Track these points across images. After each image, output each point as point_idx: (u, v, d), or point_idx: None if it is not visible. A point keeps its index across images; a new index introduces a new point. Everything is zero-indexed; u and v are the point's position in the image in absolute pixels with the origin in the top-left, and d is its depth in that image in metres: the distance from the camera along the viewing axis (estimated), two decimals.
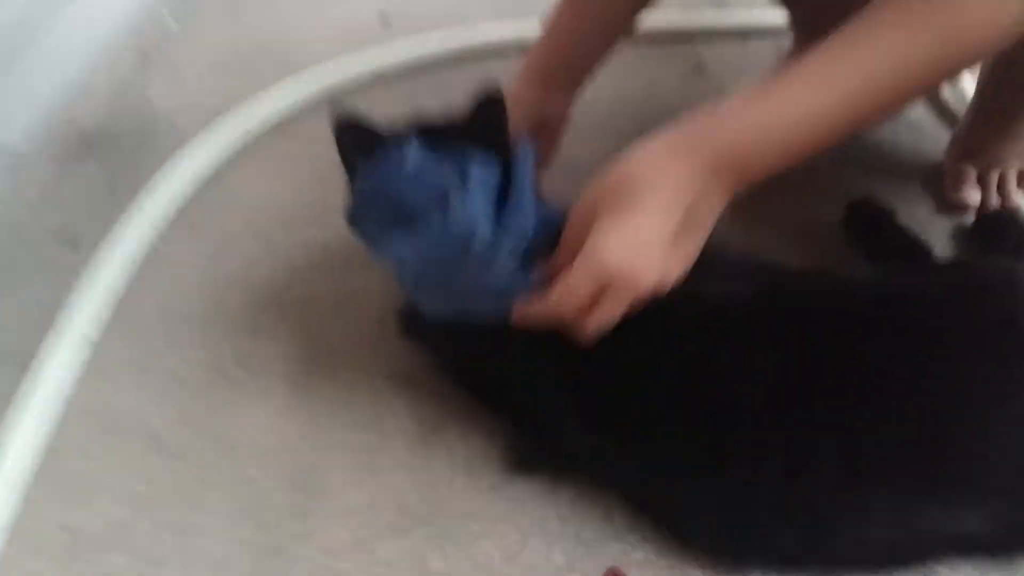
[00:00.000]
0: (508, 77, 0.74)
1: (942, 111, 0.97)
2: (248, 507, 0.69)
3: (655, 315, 0.57)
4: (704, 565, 0.63)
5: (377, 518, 0.67)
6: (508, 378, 0.66)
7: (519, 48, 1.03)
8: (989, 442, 0.55)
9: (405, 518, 0.67)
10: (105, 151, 1.02)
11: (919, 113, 0.97)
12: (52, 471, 0.72)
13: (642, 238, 0.54)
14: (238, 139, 0.98)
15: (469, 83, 0.65)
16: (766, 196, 0.85)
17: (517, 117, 0.70)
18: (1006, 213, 0.84)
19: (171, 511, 0.69)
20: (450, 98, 0.66)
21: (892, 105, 0.57)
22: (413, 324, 0.74)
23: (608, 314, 0.56)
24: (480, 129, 0.63)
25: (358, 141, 0.65)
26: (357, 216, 0.65)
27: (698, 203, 0.55)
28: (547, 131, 0.75)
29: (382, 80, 1.05)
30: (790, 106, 0.54)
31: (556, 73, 0.76)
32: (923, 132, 0.95)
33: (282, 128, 1.01)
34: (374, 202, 0.63)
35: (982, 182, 0.86)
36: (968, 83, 0.95)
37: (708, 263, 0.58)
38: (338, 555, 0.66)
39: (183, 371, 0.78)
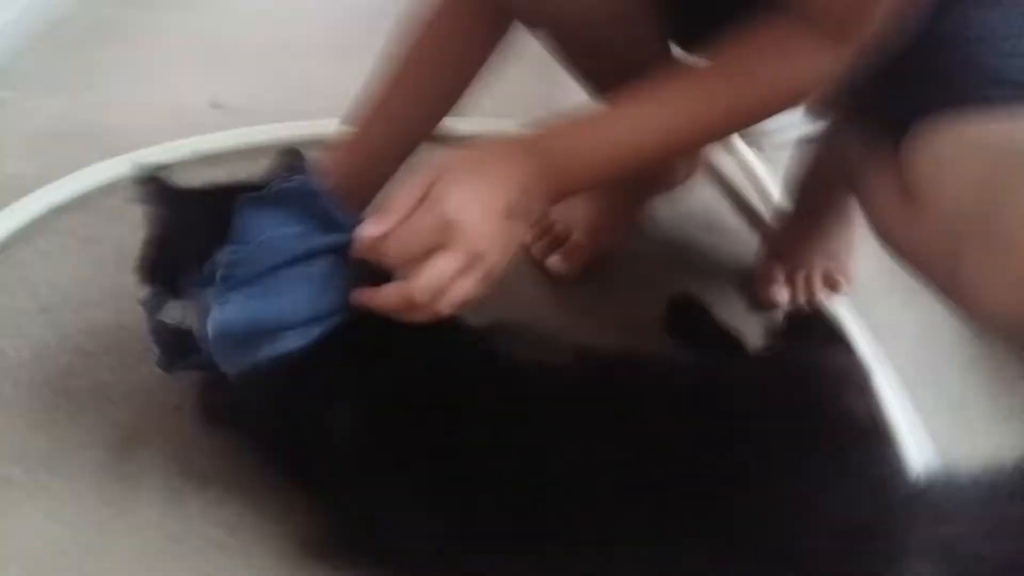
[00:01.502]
0: None
1: (752, 217, 1.03)
2: None
3: (465, 372, 0.59)
4: None
5: None
6: (317, 438, 0.62)
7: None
8: (800, 522, 0.55)
9: None
10: None
11: (733, 221, 1.03)
12: None
13: (482, 200, 0.58)
14: (32, 217, 0.90)
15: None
16: (592, 293, 0.90)
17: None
18: (812, 310, 0.89)
19: None
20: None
21: (687, 146, 0.70)
22: (217, 405, 0.67)
23: (440, 270, 0.57)
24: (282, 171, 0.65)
25: (163, 197, 0.64)
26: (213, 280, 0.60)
27: (524, 197, 0.60)
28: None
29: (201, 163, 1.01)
30: (598, 133, 0.63)
31: (362, 170, 0.79)
32: (737, 237, 1.01)
33: (83, 204, 0.94)
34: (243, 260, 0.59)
35: (790, 282, 0.91)
36: (775, 189, 1.03)
37: (521, 333, 0.60)
38: None
39: None
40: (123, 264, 0.82)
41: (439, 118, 0.79)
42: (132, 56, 1.25)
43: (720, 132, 0.70)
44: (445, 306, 0.57)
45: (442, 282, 0.57)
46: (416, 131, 0.79)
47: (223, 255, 0.58)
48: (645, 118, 0.63)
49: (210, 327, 0.58)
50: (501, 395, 0.61)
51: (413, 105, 0.78)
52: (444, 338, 0.62)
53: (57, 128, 1.07)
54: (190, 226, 0.63)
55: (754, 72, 0.62)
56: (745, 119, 0.67)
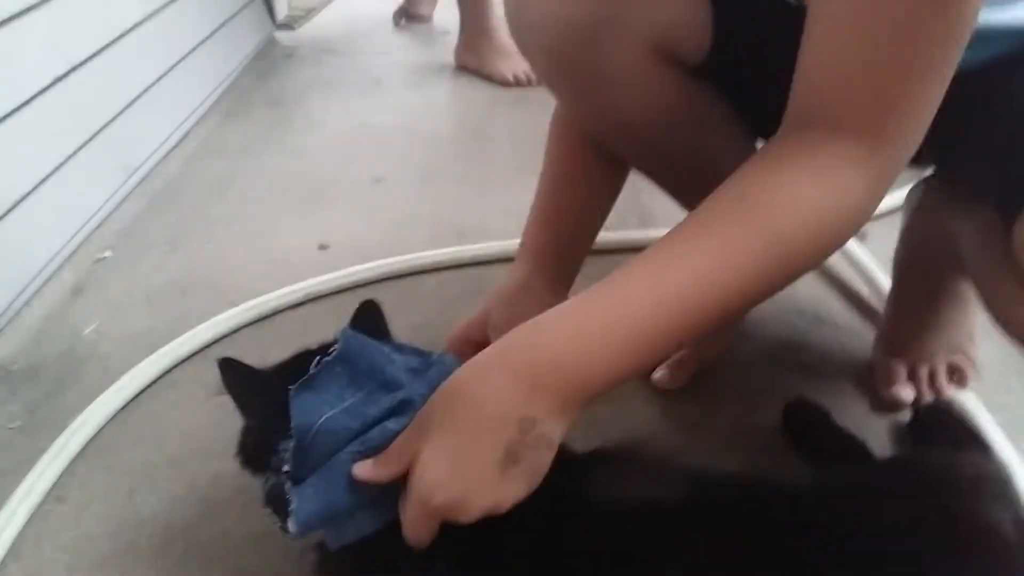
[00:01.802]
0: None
1: (864, 310, 1.00)
2: None
3: (567, 519, 0.55)
4: None
5: None
6: None
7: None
8: None
9: None
10: (26, 387, 0.97)
11: (845, 315, 1.00)
12: None
13: (466, 463, 0.51)
14: (161, 372, 0.96)
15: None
16: (702, 404, 0.87)
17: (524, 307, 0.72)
18: (941, 407, 0.84)
19: None
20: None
21: (720, 315, 0.53)
22: (332, 561, 0.68)
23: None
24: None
25: (246, 383, 0.64)
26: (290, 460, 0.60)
27: (527, 432, 0.51)
28: None
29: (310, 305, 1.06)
30: (606, 319, 0.52)
31: (555, 266, 0.84)
32: (851, 332, 0.97)
33: (206, 353, 1.00)
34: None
35: (913, 378, 0.86)
36: (882, 275, 0.99)
37: (624, 467, 0.56)
38: None
39: None
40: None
41: (595, 231, 0.87)
42: (242, 207, 1.34)
43: (773, 282, 0.55)
44: None
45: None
46: (577, 247, 0.86)
47: (286, 449, 0.58)
48: (664, 290, 0.52)
49: (291, 526, 0.58)
50: (606, 547, 0.57)
51: (568, 221, 0.84)
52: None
53: (179, 282, 1.15)
54: (266, 411, 0.63)
55: (791, 205, 0.52)
56: (793, 265, 0.54)
